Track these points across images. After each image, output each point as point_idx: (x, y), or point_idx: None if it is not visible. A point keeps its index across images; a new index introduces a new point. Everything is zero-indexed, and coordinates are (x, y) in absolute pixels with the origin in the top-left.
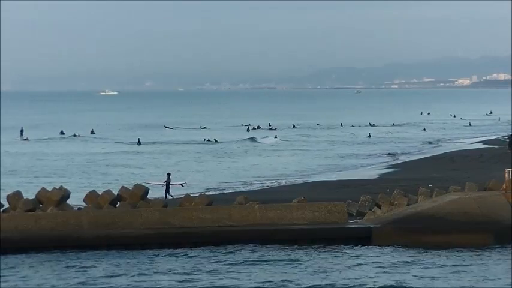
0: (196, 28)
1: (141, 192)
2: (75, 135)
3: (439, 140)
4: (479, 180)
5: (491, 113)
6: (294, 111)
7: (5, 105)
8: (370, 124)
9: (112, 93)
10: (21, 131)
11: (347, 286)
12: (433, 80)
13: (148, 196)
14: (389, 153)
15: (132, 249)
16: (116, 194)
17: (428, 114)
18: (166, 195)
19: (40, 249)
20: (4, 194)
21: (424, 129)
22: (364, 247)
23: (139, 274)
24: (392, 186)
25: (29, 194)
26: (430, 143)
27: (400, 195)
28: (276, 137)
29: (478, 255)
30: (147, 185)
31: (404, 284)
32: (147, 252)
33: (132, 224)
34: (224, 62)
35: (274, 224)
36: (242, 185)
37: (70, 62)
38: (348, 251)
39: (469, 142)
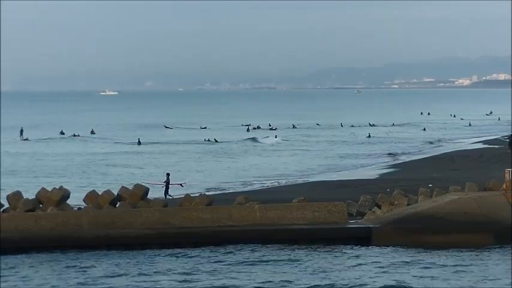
0: (196, 28)
1: (141, 192)
2: (75, 135)
3: (439, 140)
4: (479, 180)
5: (491, 113)
6: (294, 111)
7: (5, 105)
8: (370, 124)
9: (112, 93)
10: (21, 131)
11: (347, 286)
12: (433, 80)
13: (148, 196)
14: (389, 153)
15: (132, 249)
16: (116, 194)
17: (428, 114)
18: (166, 196)
19: (40, 249)
20: (4, 194)
21: (424, 129)
22: (364, 247)
23: (139, 274)
24: (392, 186)
25: (29, 194)
26: (430, 143)
27: (400, 195)
28: (276, 137)
29: (478, 255)
30: (147, 185)
31: (404, 284)
32: (147, 252)
33: (132, 224)
34: (224, 62)
35: (274, 224)
36: (242, 185)
37: (70, 62)
38: (347, 251)
39: (469, 142)
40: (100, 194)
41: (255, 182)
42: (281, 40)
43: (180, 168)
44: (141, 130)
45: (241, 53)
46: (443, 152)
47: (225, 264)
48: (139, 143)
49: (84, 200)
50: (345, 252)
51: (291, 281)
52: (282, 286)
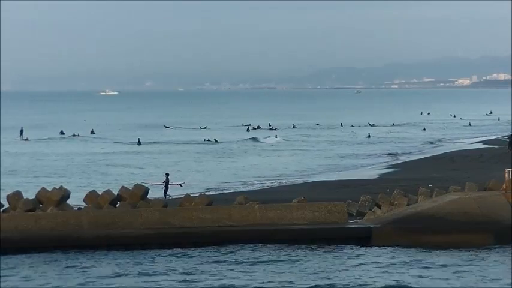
0: (196, 28)
1: (141, 192)
2: (74, 135)
3: (439, 140)
4: (479, 180)
5: (491, 113)
6: (294, 111)
7: (5, 105)
8: (370, 124)
9: (112, 93)
10: (21, 131)
11: (347, 286)
12: (433, 80)
13: (148, 196)
14: (389, 153)
15: (132, 249)
16: (116, 194)
17: (428, 114)
18: (165, 196)
19: (40, 249)
20: (4, 194)
21: (424, 129)
22: (364, 247)
23: (139, 274)
24: (392, 186)
25: (29, 194)
26: (430, 143)
27: (400, 195)
28: (276, 137)
29: (478, 255)
30: (147, 185)
31: (404, 284)
32: (147, 252)
33: (132, 224)
34: (224, 62)
35: (274, 224)
36: (242, 185)
37: (70, 62)
38: (347, 251)
39: (469, 142)
40: (100, 194)
41: (255, 182)
42: (281, 40)
43: (180, 168)
44: (141, 130)
45: (241, 53)
46: (443, 152)
47: (225, 264)
48: (139, 143)
49: (84, 200)
50: (345, 252)
51: (291, 281)
52: (282, 286)
